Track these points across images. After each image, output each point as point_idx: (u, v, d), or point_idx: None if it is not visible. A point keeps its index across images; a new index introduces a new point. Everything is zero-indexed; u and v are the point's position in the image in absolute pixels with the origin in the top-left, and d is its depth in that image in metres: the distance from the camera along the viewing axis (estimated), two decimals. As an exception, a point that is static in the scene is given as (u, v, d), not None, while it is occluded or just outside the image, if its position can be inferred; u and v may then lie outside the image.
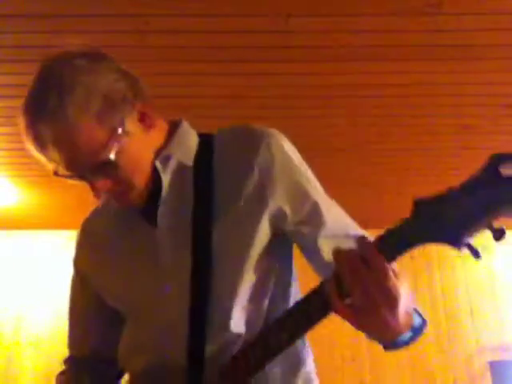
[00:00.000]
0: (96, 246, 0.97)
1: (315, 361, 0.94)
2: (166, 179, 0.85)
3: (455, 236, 0.63)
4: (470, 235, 0.64)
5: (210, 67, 2.22)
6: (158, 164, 0.85)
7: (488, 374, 3.92)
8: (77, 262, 1.03)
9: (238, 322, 0.81)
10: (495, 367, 3.87)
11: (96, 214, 1.01)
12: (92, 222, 1.01)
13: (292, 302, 0.87)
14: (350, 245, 0.66)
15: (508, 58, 2.17)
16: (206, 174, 0.85)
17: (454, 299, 4.16)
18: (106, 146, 0.76)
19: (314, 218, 0.85)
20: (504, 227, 0.64)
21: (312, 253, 0.84)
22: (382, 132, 2.80)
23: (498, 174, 0.65)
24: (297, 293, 0.91)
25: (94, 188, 0.79)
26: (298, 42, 2.07)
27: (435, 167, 3.24)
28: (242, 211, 0.82)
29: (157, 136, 0.88)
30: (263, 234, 0.83)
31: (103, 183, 0.79)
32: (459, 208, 0.63)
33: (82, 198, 3.95)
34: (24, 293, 4.11)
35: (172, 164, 0.86)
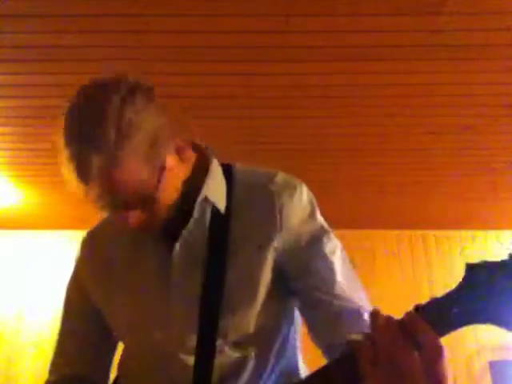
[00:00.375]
0: (103, 262, 0.95)
1: (316, 363, 0.93)
2: (194, 218, 0.87)
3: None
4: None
5: (210, 67, 2.22)
6: (197, 205, 0.86)
7: (488, 374, 3.92)
8: (79, 277, 0.99)
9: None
10: (495, 367, 3.87)
11: (102, 228, 1.00)
12: (98, 235, 1.00)
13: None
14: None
15: (508, 58, 2.17)
16: (226, 217, 0.88)
17: (454, 299, 4.15)
18: (149, 184, 0.77)
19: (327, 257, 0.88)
20: None
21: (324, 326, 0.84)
22: (382, 132, 2.80)
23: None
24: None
25: (125, 218, 0.79)
26: (297, 42, 2.07)
27: (435, 167, 3.24)
28: (254, 255, 0.85)
29: (187, 167, 0.88)
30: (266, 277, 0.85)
31: (137, 215, 0.79)
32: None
33: (82, 199, 3.92)
34: (24, 293, 4.11)
35: (206, 207, 0.88)
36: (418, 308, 0.59)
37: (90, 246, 0.99)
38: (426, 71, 2.27)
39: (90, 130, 0.73)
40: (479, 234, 4.34)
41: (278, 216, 0.86)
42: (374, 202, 3.86)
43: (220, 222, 0.87)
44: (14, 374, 3.80)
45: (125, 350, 0.96)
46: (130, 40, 2.06)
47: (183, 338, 0.83)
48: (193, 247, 0.86)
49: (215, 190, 0.88)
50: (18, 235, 4.32)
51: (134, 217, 0.79)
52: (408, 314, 0.58)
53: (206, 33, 2.02)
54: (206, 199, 0.87)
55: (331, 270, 0.84)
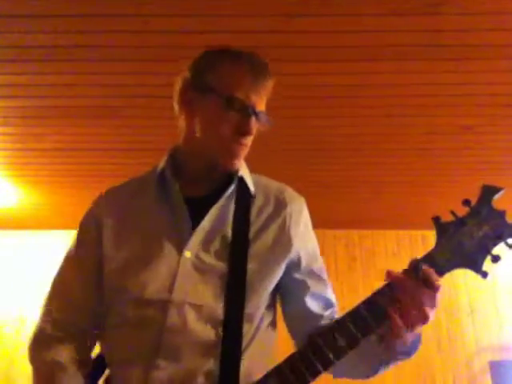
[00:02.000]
0: (128, 212, 1.02)
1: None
2: (228, 193, 1.00)
3: (476, 263, 0.86)
4: (483, 261, 0.86)
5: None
6: (235, 180, 1.02)
7: (488, 374, 3.92)
8: (98, 215, 1.04)
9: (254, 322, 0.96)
10: (495, 367, 3.87)
11: (124, 186, 1.10)
12: (121, 191, 1.08)
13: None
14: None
15: (508, 58, 2.17)
16: (247, 206, 1.02)
17: (454, 299, 4.16)
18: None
19: (322, 277, 1.05)
20: (499, 255, 0.86)
21: (302, 303, 1.01)
22: (381, 132, 2.80)
23: (491, 208, 0.87)
24: None
25: (250, 125, 0.96)
26: (298, 41, 2.08)
27: (435, 167, 3.24)
28: (268, 247, 0.98)
29: None
30: (281, 270, 1.00)
31: (255, 126, 0.97)
32: (471, 239, 0.86)
33: (82, 198, 3.94)
34: (24, 293, 4.11)
35: (236, 187, 1.02)
36: (418, 259, 0.84)
37: (113, 199, 1.07)
38: (425, 71, 2.27)
39: (266, 66, 1.02)
40: (479, 233, 4.33)
41: (288, 220, 1.02)
42: (373, 202, 3.86)
43: (244, 205, 1.01)
44: (13, 374, 3.80)
45: (112, 310, 0.96)
46: (130, 40, 2.06)
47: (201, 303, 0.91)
48: (219, 220, 0.98)
49: (247, 175, 1.05)
50: (18, 235, 4.32)
51: (254, 128, 0.97)
52: (415, 263, 0.84)
53: (206, 33, 2.02)
54: (241, 179, 1.02)
55: (324, 278, 1.07)
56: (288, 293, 1.02)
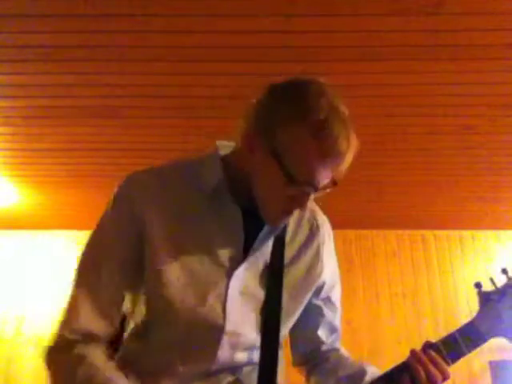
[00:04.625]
0: (175, 204, 0.92)
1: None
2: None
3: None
4: None
5: (210, 67, 2.22)
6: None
7: (488, 374, 3.91)
8: (139, 204, 0.90)
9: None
10: (495, 367, 3.87)
11: (169, 174, 0.97)
12: (168, 178, 0.95)
13: None
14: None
15: (508, 57, 2.17)
16: (283, 230, 0.99)
17: (454, 299, 4.16)
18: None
19: (336, 305, 1.07)
20: None
21: (313, 329, 1.04)
22: (382, 132, 2.80)
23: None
24: None
25: (305, 202, 0.87)
26: (298, 41, 2.07)
27: (435, 167, 3.24)
28: (301, 275, 0.98)
29: None
30: (309, 296, 1.01)
31: (310, 201, 0.89)
32: (508, 310, 0.92)
33: (82, 199, 3.93)
34: (24, 293, 4.11)
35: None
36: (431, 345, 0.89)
37: (157, 185, 0.93)
38: (426, 71, 2.27)
39: (352, 133, 0.89)
40: (479, 234, 4.34)
41: (321, 245, 1.02)
42: (373, 202, 3.86)
43: (280, 235, 0.97)
44: (13, 374, 3.80)
45: (151, 315, 0.89)
46: (130, 40, 2.06)
47: (239, 330, 0.90)
48: (263, 244, 0.95)
49: None
50: (18, 235, 4.32)
51: (308, 202, 0.88)
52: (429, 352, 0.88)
53: (206, 33, 2.02)
54: None
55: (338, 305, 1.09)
56: (301, 316, 1.01)
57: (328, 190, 0.89)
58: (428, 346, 0.88)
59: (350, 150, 0.86)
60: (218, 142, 0.99)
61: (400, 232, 4.43)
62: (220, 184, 0.92)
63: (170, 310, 0.87)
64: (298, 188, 0.84)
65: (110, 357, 0.88)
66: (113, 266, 0.89)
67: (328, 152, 0.82)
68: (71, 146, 2.93)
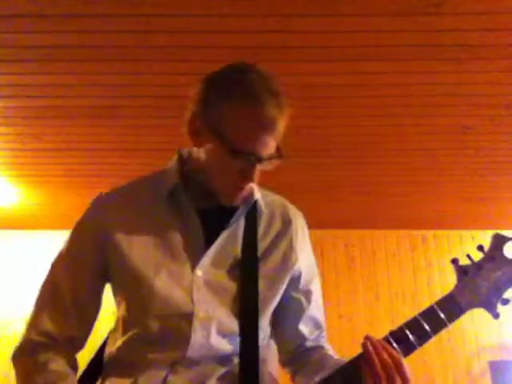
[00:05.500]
0: (138, 214, 1.00)
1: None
2: (240, 212, 1.01)
3: (491, 304, 0.94)
4: (497, 303, 0.94)
5: (210, 67, 2.22)
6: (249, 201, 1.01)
7: (488, 374, 3.92)
8: (102, 220, 1.00)
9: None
10: (495, 367, 3.87)
11: (131, 190, 1.05)
12: (130, 194, 1.04)
13: None
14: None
15: (508, 58, 2.17)
16: (255, 224, 1.02)
17: (454, 299, 4.15)
18: (273, 156, 0.92)
19: (317, 299, 1.08)
20: (509, 298, 0.94)
21: (294, 325, 1.05)
22: (382, 132, 2.80)
23: (503, 255, 0.96)
24: None
25: (252, 173, 0.91)
26: (297, 42, 2.07)
27: (435, 167, 3.24)
28: (276, 266, 1.00)
29: None
30: (284, 287, 1.02)
31: (256, 174, 0.92)
32: (487, 282, 0.94)
33: (81, 199, 3.93)
34: (24, 293, 4.11)
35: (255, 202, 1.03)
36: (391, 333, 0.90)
37: (118, 202, 1.02)
38: (426, 71, 2.27)
39: (282, 98, 0.90)
40: (479, 234, 4.34)
41: (294, 237, 1.04)
42: (373, 202, 3.86)
43: (252, 223, 1.01)
44: (13, 374, 3.80)
45: (125, 314, 0.96)
46: (130, 40, 2.06)
47: (211, 315, 0.92)
48: (231, 238, 0.99)
49: (258, 194, 1.04)
50: (18, 235, 4.32)
51: (255, 175, 0.92)
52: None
53: (206, 33, 2.02)
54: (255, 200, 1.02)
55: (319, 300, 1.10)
56: (282, 310, 1.04)
57: (275, 161, 0.92)
58: (392, 332, 0.90)
59: (281, 115, 0.88)
60: (179, 151, 1.07)
61: (400, 232, 4.43)
62: (175, 187, 0.98)
63: (143, 306, 0.92)
64: (241, 159, 0.89)
65: (73, 362, 0.97)
66: (75, 272, 0.98)
67: (259, 119, 0.87)
68: (71, 145, 2.93)
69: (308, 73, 2.28)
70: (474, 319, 4.12)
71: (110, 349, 0.98)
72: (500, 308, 0.93)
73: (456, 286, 0.94)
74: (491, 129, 2.75)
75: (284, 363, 1.09)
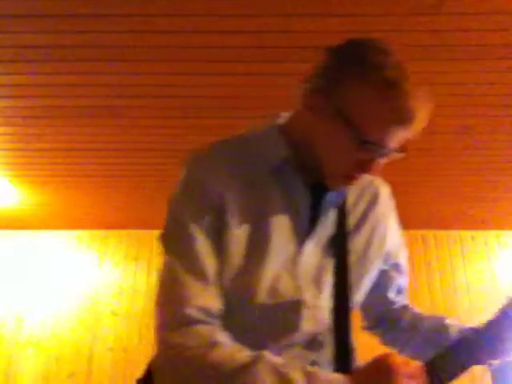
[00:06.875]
0: (246, 185, 0.88)
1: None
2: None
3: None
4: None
5: (210, 67, 2.22)
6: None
7: (488, 375, 3.91)
8: (219, 195, 0.85)
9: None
10: (495, 369, 3.86)
11: (237, 156, 0.92)
12: (237, 158, 0.91)
13: None
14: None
15: (508, 58, 2.17)
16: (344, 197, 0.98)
17: (453, 299, 4.16)
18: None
19: (404, 267, 1.09)
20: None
21: (383, 292, 1.07)
22: (382, 132, 2.79)
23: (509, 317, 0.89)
24: None
25: (372, 165, 0.84)
26: (297, 41, 2.07)
27: (435, 167, 3.24)
28: (365, 241, 0.98)
29: None
30: (378, 261, 1.01)
31: (380, 166, 0.85)
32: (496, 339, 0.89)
33: (82, 199, 3.93)
34: (24, 293, 4.11)
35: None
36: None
37: (225, 164, 0.89)
38: (426, 71, 2.27)
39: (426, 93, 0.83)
40: (479, 234, 4.34)
41: (383, 215, 1.02)
42: (373, 202, 3.86)
43: (341, 205, 0.96)
44: (13, 374, 3.80)
45: (229, 299, 0.84)
46: (130, 40, 2.06)
47: (315, 294, 0.89)
48: (328, 218, 0.93)
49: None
50: (18, 235, 4.32)
51: (379, 167, 0.85)
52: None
53: (206, 33, 2.02)
54: None
55: (406, 269, 1.11)
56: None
57: (393, 156, 0.84)
58: None
59: (423, 110, 0.80)
60: (271, 114, 0.98)
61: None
62: (285, 160, 0.89)
63: (248, 291, 0.84)
64: (367, 150, 0.80)
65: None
66: (203, 247, 0.83)
67: (398, 111, 0.77)
68: (71, 145, 2.93)
69: (307, 73, 2.28)
70: (474, 319, 4.11)
71: None
72: (500, 306, 0.93)
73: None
74: (491, 129, 2.75)
75: (369, 327, 1.12)
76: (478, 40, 2.06)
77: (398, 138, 0.80)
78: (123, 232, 4.24)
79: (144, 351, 3.75)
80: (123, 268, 4.16)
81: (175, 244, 0.85)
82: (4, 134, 2.80)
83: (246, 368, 0.70)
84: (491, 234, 4.33)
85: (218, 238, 0.84)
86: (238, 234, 0.84)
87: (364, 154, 0.81)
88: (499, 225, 4.18)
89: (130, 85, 2.37)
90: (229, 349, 0.74)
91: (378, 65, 0.80)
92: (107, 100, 2.49)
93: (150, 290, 4.07)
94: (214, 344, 0.74)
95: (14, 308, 4.08)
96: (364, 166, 0.83)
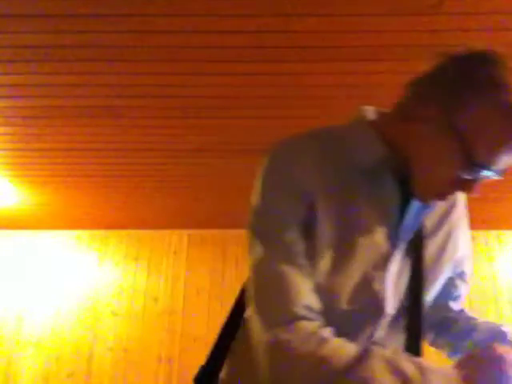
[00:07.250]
0: (338, 176, 0.84)
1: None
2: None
3: None
4: None
5: (210, 67, 2.22)
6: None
7: None
8: (308, 192, 0.81)
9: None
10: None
11: (325, 142, 0.90)
12: (329, 150, 0.87)
13: None
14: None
15: (508, 58, 2.17)
16: None
17: (454, 299, 4.16)
18: None
19: (469, 276, 1.09)
20: None
21: (444, 300, 1.06)
22: (382, 132, 2.80)
23: None
24: None
25: (473, 187, 0.79)
26: (298, 41, 2.07)
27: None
28: (440, 246, 0.95)
29: None
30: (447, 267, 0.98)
31: (476, 187, 0.80)
32: None
33: (81, 199, 3.92)
34: (24, 293, 4.12)
35: None
36: None
37: (318, 154, 0.85)
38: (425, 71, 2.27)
39: None
40: (479, 234, 4.34)
41: (458, 221, 1.00)
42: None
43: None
44: (13, 374, 3.80)
45: None
46: (130, 40, 2.06)
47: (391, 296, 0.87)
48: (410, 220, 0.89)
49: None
50: (18, 235, 4.33)
51: (478, 187, 0.80)
52: None
53: (206, 33, 2.02)
54: None
55: (469, 277, 1.11)
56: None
57: (493, 178, 0.79)
58: None
59: None
60: (360, 108, 0.94)
61: (400, 232, 4.43)
62: (381, 161, 0.84)
63: (332, 295, 0.81)
64: (474, 171, 0.75)
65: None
66: (301, 241, 0.80)
67: None
68: (71, 145, 2.93)
69: (308, 73, 2.28)
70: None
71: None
72: (500, 306, 0.95)
73: None
74: (491, 129, 2.75)
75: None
76: (478, 40, 2.06)
77: (506, 162, 0.77)
78: (123, 232, 4.25)
79: (144, 351, 3.75)
80: (123, 268, 4.17)
81: (272, 238, 0.81)
82: (4, 134, 2.80)
83: (359, 361, 0.70)
84: (492, 234, 4.33)
85: (309, 235, 0.80)
86: (327, 234, 0.81)
87: (469, 174, 0.77)
88: (500, 225, 4.18)
89: (130, 85, 2.37)
90: (338, 343, 0.73)
91: (506, 87, 0.76)
92: (107, 100, 2.49)
93: (150, 290, 4.07)
94: (322, 339, 0.73)
95: (14, 308, 4.08)
96: (465, 186, 0.79)
